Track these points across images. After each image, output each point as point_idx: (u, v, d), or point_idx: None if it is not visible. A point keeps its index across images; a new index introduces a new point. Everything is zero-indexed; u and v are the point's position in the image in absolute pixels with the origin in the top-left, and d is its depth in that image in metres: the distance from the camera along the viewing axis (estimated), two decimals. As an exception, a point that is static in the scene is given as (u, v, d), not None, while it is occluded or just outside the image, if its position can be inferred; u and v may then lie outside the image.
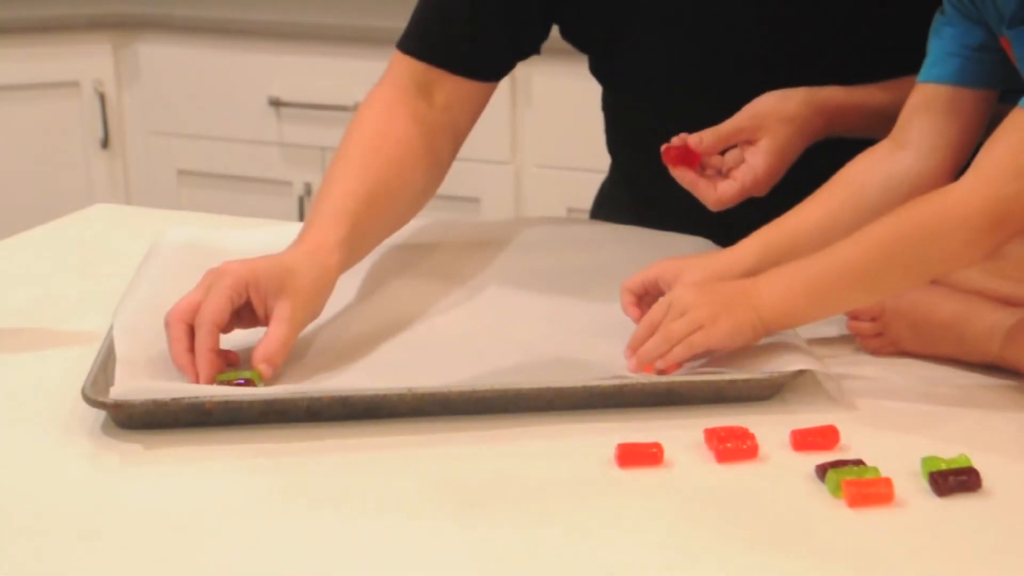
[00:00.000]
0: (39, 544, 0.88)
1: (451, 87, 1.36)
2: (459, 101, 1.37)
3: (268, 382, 1.06)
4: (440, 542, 0.87)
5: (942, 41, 1.16)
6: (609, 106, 1.51)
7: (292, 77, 2.85)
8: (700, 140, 1.26)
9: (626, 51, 1.38)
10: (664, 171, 1.36)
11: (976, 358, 1.13)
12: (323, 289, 1.15)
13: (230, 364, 1.09)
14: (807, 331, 1.16)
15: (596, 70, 1.46)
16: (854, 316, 1.18)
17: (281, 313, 1.10)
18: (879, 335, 1.17)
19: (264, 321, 1.11)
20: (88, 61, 2.96)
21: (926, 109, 1.18)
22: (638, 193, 1.50)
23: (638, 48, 1.37)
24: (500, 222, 1.48)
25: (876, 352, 1.17)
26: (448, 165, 1.37)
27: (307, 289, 1.13)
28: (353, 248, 1.21)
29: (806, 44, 1.32)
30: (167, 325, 1.08)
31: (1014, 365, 1.10)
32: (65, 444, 1.01)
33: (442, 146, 1.35)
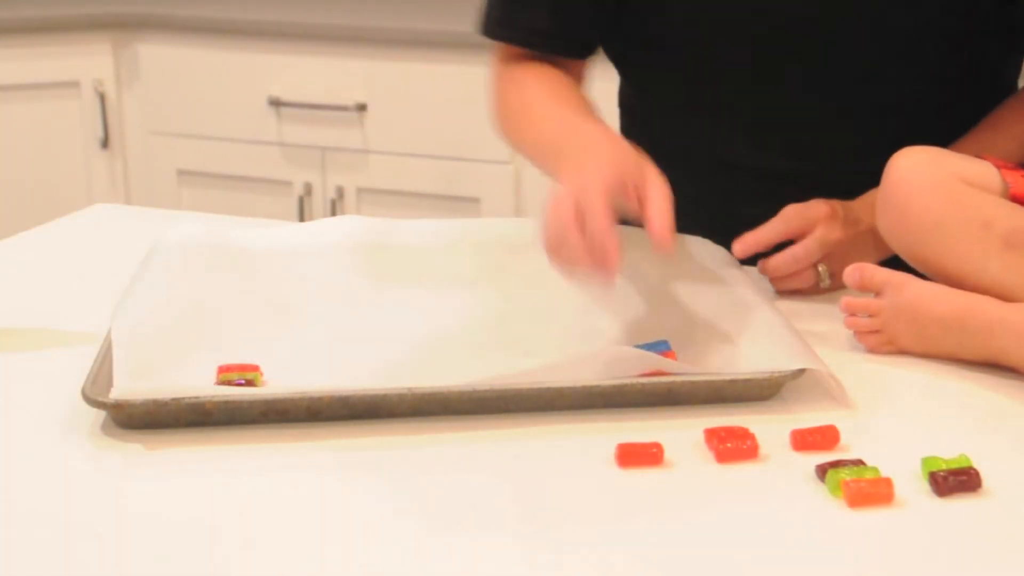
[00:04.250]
0: (39, 544, 0.88)
1: (565, 66, 1.44)
2: (574, 72, 1.46)
3: (668, 251, 1.09)
4: (439, 542, 0.87)
5: None
6: (627, 102, 1.51)
7: (292, 77, 2.85)
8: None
9: (666, 36, 1.40)
10: (680, 166, 1.36)
11: (977, 355, 1.12)
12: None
13: None
14: (807, 330, 1.16)
15: (623, 57, 1.48)
16: (851, 312, 1.17)
17: (656, 181, 1.11)
18: (877, 332, 1.16)
19: (635, 203, 1.12)
20: (88, 61, 2.97)
21: None
22: None
23: (679, 34, 1.39)
24: (499, 221, 1.48)
25: (874, 349, 1.17)
26: None
27: (653, 167, 1.15)
28: None
29: (848, 40, 1.33)
30: (553, 221, 1.09)
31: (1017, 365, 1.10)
32: (65, 444, 1.01)
33: None
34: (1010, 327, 1.10)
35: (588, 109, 1.33)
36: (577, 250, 1.07)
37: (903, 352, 1.16)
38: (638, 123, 1.52)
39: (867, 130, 1.36)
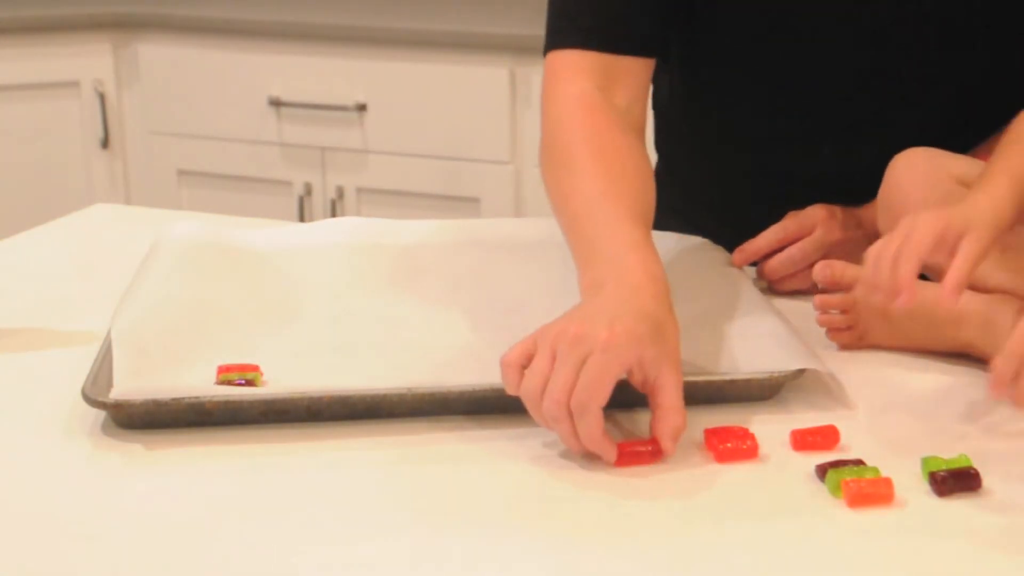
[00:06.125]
0: (39, 544, 0.88)
1: (630, 77, 1.31)
2: (638, 92, 1.31)
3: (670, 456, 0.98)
4: (440, 542, 0.87)
5: None
6: (667, 104, 1.49)
7: (292, 77, 2.85)
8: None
9: (750, 44, 1.35)
10: (714, 169, 1.35)
11: (945, 345, 1.13)
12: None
13: None
14: (806, 330, 1.16)
15: (688, 59, 1.41)
16: (824, 308, 1.18)
17: (670, 381, 0.99)
18: (849, 328, 1.17)
19: (643, 388, 1.01)
20: (88, 61, 2.97)
21: None
22: (686, 192, 1.48)
23: (770, 42, 1.33)
24: (499, 222, 1.48)
25: (846, 347, 1.17)
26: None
27: (677, 345, 1.02)
28: None
29: (908, 66, 1.31)
30: (547, 410, 0.96)
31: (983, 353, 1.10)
32: (65, 444, 1.01)
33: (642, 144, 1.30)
34: (976, 318, 1.11)
35: (633, 201, 1.17)
36: (567, 438, 0.97)
37: (874, 347, 1.16)
38: (677, 125, 1.49)
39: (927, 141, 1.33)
